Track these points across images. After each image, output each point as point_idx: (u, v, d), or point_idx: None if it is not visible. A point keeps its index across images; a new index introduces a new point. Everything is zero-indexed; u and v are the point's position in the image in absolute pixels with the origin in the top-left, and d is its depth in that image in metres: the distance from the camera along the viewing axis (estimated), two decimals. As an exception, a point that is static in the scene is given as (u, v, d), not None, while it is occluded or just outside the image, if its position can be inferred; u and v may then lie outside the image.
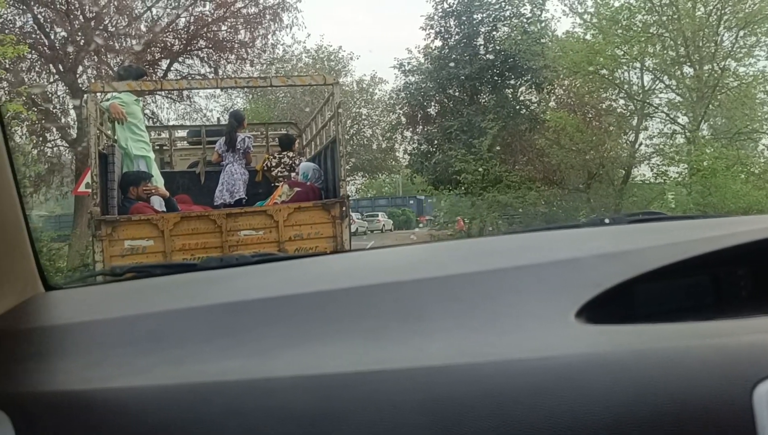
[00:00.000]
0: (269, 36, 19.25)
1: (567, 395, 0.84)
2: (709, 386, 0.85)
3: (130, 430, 0.84)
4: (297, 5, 19.42)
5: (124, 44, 16.95)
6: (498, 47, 23.20)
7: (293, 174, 7.81)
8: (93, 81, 14.32)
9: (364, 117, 37.47)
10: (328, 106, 7.55)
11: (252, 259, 1.38)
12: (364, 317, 0.98)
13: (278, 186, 7.62)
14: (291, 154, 8.28)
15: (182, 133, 10.43)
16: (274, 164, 8.13)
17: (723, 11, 17.89)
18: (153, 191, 6.61)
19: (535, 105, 23.80)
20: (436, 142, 24.19)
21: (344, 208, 6.51)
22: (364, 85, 37.06)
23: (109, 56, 16.46)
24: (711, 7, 18.01)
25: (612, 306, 1.02)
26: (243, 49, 18.73)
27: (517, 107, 23.32)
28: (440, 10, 24.43)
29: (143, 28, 17.58)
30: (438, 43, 24.65)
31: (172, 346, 0.93)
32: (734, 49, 18.29)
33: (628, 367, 0.87)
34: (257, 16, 18.82)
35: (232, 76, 17.43)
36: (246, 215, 6.34)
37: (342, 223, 6.47)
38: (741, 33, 18.01)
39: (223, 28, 18.63)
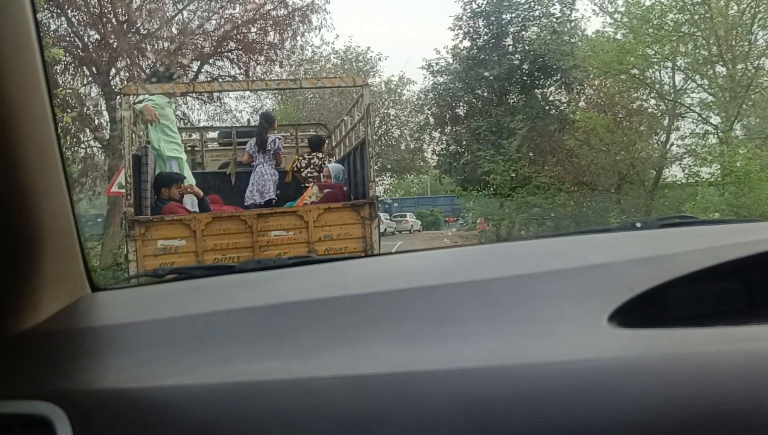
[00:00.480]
0: (298, 37, 19.41)
1: (600, 398, 0.85)
2: (741, 391, 0.86)
3: (179, 426, 0.87)
4: (326, 6, 19.55)
5: (155, 47, 17.18)
6: (527, 47, 23.06)
7: (322, 175, 7.87)
8: (126, 83, 14.55)
9: (392, 117, 37.48)
10: (357, 107, 7.58)
11: (289, 261, 1.41)
12: (400, 320, 1.00)
13: (308, 187, 7.68)
14: (320, 155, 8.34)
15: (213, 135, 10.55)
16: (303, 165, 8.20)
17: (757, 9, 17.56)
18: (188, 190, 6.71)
19: (565, 105, 23.62)
20: (464, 142, 24.14)
21: (373, 209, 6.55)
22: (393, 86, 37.06)
23: (141, 59, 16.70)
24: (744, 5, 17.70)
25: (644, 310, 1.03)
26: (272, 51, 18.88)
27: (547, 108, 23.16)
28: (469, 10, 24.38)
29: (174, 31, 17.81)
30: (467, 43, 24.62)
31: (217, 346, 0.97)
32: (769, 48, 17.97)
33: (659, 371, 0.88)
34: (286, 18, 18.95)
35: (262, 77, 17.57)
36: (276, 216, 6.40)
37: (371, 224, 6.50)
38: (776, 31, 17.69)
39: (253, 30, 18.78)
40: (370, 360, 0.92)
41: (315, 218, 6.38)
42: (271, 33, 18.98)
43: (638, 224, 1.65)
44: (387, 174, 39.44)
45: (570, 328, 0.97)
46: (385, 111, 36.90)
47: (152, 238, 5.97)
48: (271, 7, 18.79)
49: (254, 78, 17.51)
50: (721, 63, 18.29)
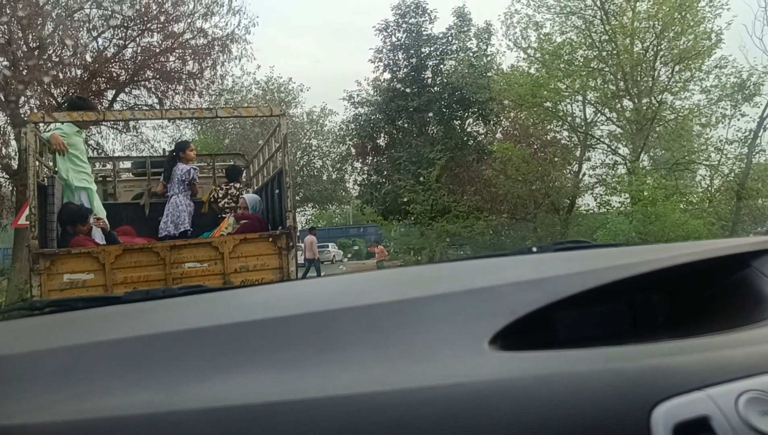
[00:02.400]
0: (218, 67, 19.19)
1: (473, 422, 0.85)
2: (610, 409, 0.87)
3: None
4: (246, 37, 19.45)
5: (68, 74, 16.67)
6: (445, 80, 23.61)
7: (239, 206, 7.77)
8: (34, 111, 14.03)
9: (314, 148, 37.46)
10: (275, 137, 7.54)
11: (179, 291, 1.37)
12: (279, 348, 0.98)
13: (225, 217, 7.56)
14: (238, 185, 8.24)
15: (127, 165, 10.26)
16: (220, 196, 8.08)
17: (659, 47, 18.61)
18: (95, 223, 6.48)
19: (482, 136, 24.24)
20: (385, 172, 24.38)
21: (291, 240, 6.49)
22: (315, 117, 37.12)
23: (53, 86, 16.16)
24: (648, 44, 18.73)
25: (526, 333, 1.03)
26: (191, 80, 18.60)
27: (465, 138, 23.69)
28: (389, 43, 24.82)
29: (89, 59, 17.34)
30: (387, 75, 25.03)
31: (79, 380, 0.92)
32: (670, 83, 19.01)
33: (534, 393, 0.89)
34: (206, 48, 18.74)
35: (179, 107, 17.27)
36: (191, 247, 6.25)
37: (289, 255, 6.44)
38: (676, 68, 18.76)
39: (171, 58, 18.48)
40: (241, 390, 0.89)
41: (231, 249, 6.27)
42: (190, 62, 18.71)
43: (534, 249, 1.68)
44: (309, 204, 39.31)
45: (450, 352, 0.97)
46: (307, 141, 36.89)
47: (58, 272, 5.72)
48: (190, 36, 18.56)
49: (171, 107, 17.20)
50: (628, 97, 19.22)
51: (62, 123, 6.65)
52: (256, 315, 1.10)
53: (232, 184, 8.23)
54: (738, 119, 18.45)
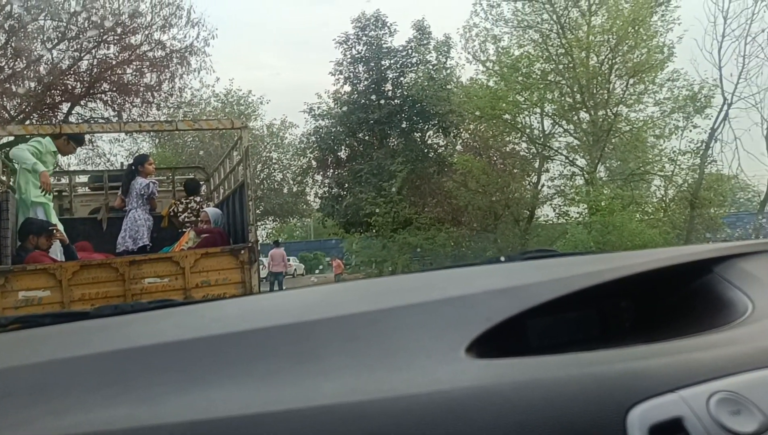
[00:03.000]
0: (176, 79, 19.03)
1: (454, 429, 0.86)
2: (586, 413, 0.89)
3: None
4: (205, 49, 19.33)
5: (22, 87, 16.33)
6: (406, 93, 23.74)
7: (200, 220, 7.68)
8: (-13, 125, 13.67)
9: (274, 161, 37.24)
10: (236, 150, 7.49)
11: (148, 305, 1.35)
12: (258, 360, 0.97)
13: (185, 232, 7.47)
14: (198, 199, 8.16)
15: (83, 179, 10.09)
16: (180, 210, 7.98)
17: (614, 61, 19.01)
18: (55, 236, 6.35)
19: (443, 148, 24.40)
20: (346, 185, 24.37)
21: (253, 254, 6.44)
22: (275, 130, 36.92)
23: (5, 99, 15.81)
24: (603, 57, 19.11)
25: (501, 340, 1.04)
26: (149, 93, 18.42)
27: (426, 151, 23.83)
28: (349, 56, 24.88)
29: (43, 71, 17.02)
30: (347, 88, 25.04)
31: (55, 396, 0.90)
32: (625, 95, 19.44)
33: (512, 399, 0.90)
34: (164, 60, 18.57)
35: (137, 120, 17.05)
36: (150, 262, 6.17)
37: (251, 269, 6.39)
38: (630, 81, 19.19)
39: (128, 71, 18.28)
40: (222, 402, 0.88)
41: (192, 264, 6.20)
42: (148, 74, 18.54)
43: (502, 258, 1.69)
44: (270, 218, 39.04)
45: (428, 360, 0.97)
46: (267, 154, 36.66)
47: (12, 290, 5.59)
48: (148, 48, 18.37)
49: (129, 120, 16.96)
50: (584, 109, 19.57)
51: (43, 136, 6.56)
52: (233, 327, 1.09)
53: (191, 197, 8.15)
54: (690, 131, 18.94)
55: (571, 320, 1.26)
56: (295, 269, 40.21)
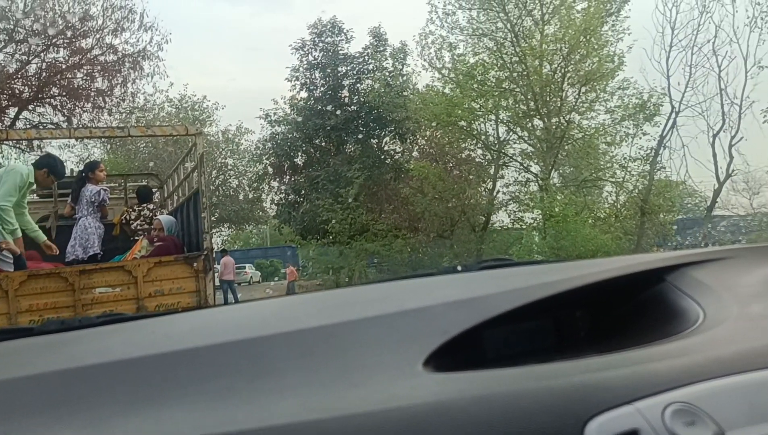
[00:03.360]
0: (129, 84, 18.73)
1: None
2: (545, 427, 0.88)
3: None
4: (159, 54, 19.06)
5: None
6: (362, 99, 23.77)
7: (153, 227, 7.55)
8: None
9: (230, 167, 36.86)
10: (190, 156, 7.39)
11: (96, 320, 1.30)
12: (211, 378, 0.94)
13: (137, 240, 7.33)
14: (151, 206, 8.01)
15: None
16: (132, 217, 7.83)
17: (566, 69, 19.43)
18: (2, 247, 6.15)
19: (399, 155, 24.50)
20: (303, 192, 24.25)
21: (208, 262, 6.35)
22: (230, 136, 36.57)
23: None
24: (556, 66, 19.51)
25: (459, 353, 1.03)
26: (100, 98, 18.07)
27: (382, 157, 23.88)
28: (305, 62, 24.81)
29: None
30: (304, 94, 24.96)
31: None
32: (577, 103, 19.89)
33: (470, 414, 0.88)
34: (116, 64, 18.25)
35: (88, 125, 16.70)
36: (101, 271, 6.03)
37: (206, 277, 6.30)
38: (582, 89, 19.65)
39: (79, 75, 17.91)
40: (173, 424, 0.85)
41: (145, 273, 6.08)
42: (99, 79, 18.20)
43: (459, 267, 1.68)
44: (225, 225, 38.61)
45: (386, 375, 0.96)
46: (223, 161, 36.29)
47: (-44, 301, 5.40)
48: (99, 53, 18.03)
49: (79, 125, 16.60)
50: (538, 117, 19.89)
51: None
52: (184, 344, 1.05)
53: (144, 205, 8.00)
54: (640, 138, 19.51)
55: (527, 331, 1.26)
56: (251, 277, 39.83)
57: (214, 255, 6.71)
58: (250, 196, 35.13)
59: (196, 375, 0.95)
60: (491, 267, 1.62)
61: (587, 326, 1.34)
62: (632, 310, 1.33)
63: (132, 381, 0.94)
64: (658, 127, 19.03)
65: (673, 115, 18.48)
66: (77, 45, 17.39)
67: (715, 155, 17.85)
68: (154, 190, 8.70)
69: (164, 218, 7.53)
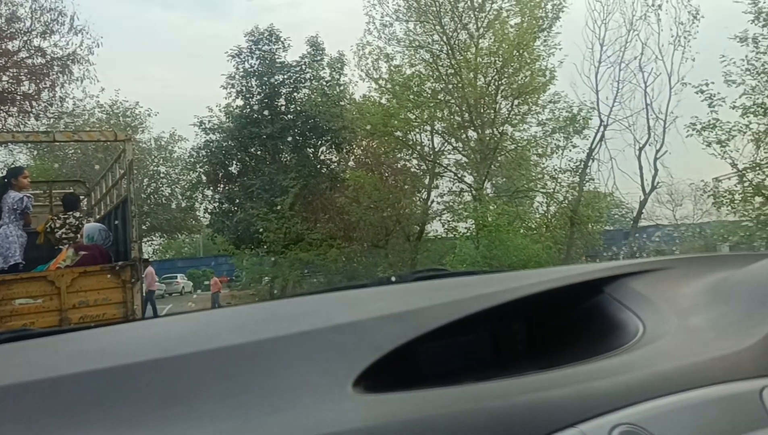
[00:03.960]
0: (57, 89, 18.19)
1: None
2: None
3: None
4: (89, 57, 18.56)
5: None
6: (299, 108, 23.68)
7: (79, 236, 7.31)
8: None
9: (162, 175, 36.08)
10: (119, 163, 7.21)
11: (1, 336, 1.21)
12: (120, 403, 0.86)
13: (62, 249, 7.09)
14: (77, 214, 7.77)
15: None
16: (57, 225, 7.56)
17: (500, 82, 19.86)
18: None
19: (335, 164, 24.49)
20: (237, 200, 23.93)
21: (136, 272, 6.19)
22: (163, 143, 35.81)
23: None
24: (490, 78, 19.91)
25: (392, 371, 0.99)
26: (27, 102, 17.46)
27: (318, 166, 23.81)
28: (241, 70, 24.56)
29: None
30: (239, 102, 24.66)
31: None
32: (510, 115, 20.36)
33: None
34: (44, 68, 17.69)
35: (12, 130, 16.10)
36: (22, 282, 5.82)
37: (133, 288, 6.14)
38: (515, 102, 20.13)
39: (4, 78, 17.27)
40: None
41: (69, 283, 5.89)
42: (26, 82, 17.59)
43: (393, 278, 1.66)
44: (156, 234, 37.75)
45: (313, 397, 0.90)
46: (155, 168, 35.50)
47: None
48: (26, 55, 17.43)
49: (3, 130, 15.99)
50: (472, 128, 20.24)
51: None
52: (90, 364, 0.96)
53: (70, 213, 7.75)
54: (570, 150, 20.05)
55: (464, 345, 1.22)
56: (183, 287, 39.05)
57: (142, 264, 6.56)
58: (183, 204, 34.47)
59: (102, 399, 0.88)
60: (426, 277, 1.60)
61: (525, 339, 1.31)
62: (571, 323, 1.31)
63: (27, 408, 0.85)
64: (587, 139, 19.62)
65: (602, 129, 19.06)
66: (3, 47, 16.79)
67: (641, 168, 18.46)
68: (81, 197, 8.43)
69: (90, 226, 7.32)
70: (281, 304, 1.54)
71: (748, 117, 14.42)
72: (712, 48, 20.68)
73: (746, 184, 15.01)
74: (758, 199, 14.66)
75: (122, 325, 1.48)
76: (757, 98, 14.36)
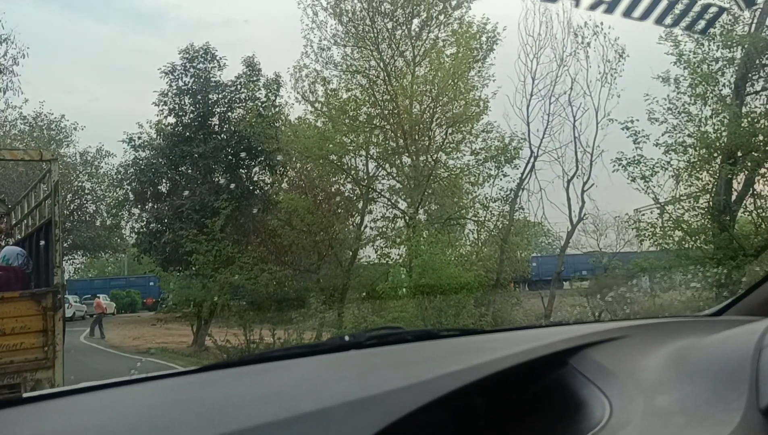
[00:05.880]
0: (-23, 99, 17.37)
1: None
2: None
3: None
4: (13, 68, 17.85)
5: None
6: (233, 128, 23.35)
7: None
8: None
9: (87, 191, 34.93)
10: (44, 183, 6.87)
11: None
12: None
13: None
14: (-6, 235, 7.38)
15: None
16: (-29, 245, 7.16)
17: (435, 110, 20.23)
18: None
19: (269, 186, 24.21)
20: (166, 220, 23.31)
21: (58, 298, 5.87)
22: (89, 158, 34.71)
23: None
24: (425, 106, 20.22)
25: None
26: (-59, 112, 16.62)
27: (251, 188, 23.49)
28: (175, 87, 24.06)
29: None
30: (171, 119, 24.13)
31: None
32: (444, 143, 20.71)
33: None
34: (-38, 77, 16.90)
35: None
36: (-72, 309, 5.44)
37: (55, 316, 5.82)
38: (450, 130, 20.52)
39: None
40: None
41: (-18, 310, 5.54)
42: (-58, 91, 16.77)
43: (347, 338, 1.58)
44: (79, 252, 36.40)
45: None
46: (80, 184, 34.33)
47: None
48: (-58, 64, 16.64)
49: None
50: (407, 154, 20.42)
51: None
52: None
53: (-14, 232, 7.36)
54: (501, 179, 20.46)
55: (428, 424, 1.16)
56: (105, 308, 37.66)
57: (66, 291, 6.24)
58: (108, 222, 33.40)
59: None
60: (381, 340, 1.55)
61: (487, 415, 1.28)
62: (533, 397, 1.28)
63: None
64: (518, 169, 20.06)
65: (532, 160, 19.54)
66: None
67: (569, 199, 18.96)
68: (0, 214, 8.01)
69: (8, 249, 6.95)
70: (233, 376, 1.41)
71: (669, 154, 15.04)
72: (636, 86, 21.61)
73: (666, 218, 15.63)
74: (678, 232, 15.24)
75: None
76: (678, 137, 15.01)
